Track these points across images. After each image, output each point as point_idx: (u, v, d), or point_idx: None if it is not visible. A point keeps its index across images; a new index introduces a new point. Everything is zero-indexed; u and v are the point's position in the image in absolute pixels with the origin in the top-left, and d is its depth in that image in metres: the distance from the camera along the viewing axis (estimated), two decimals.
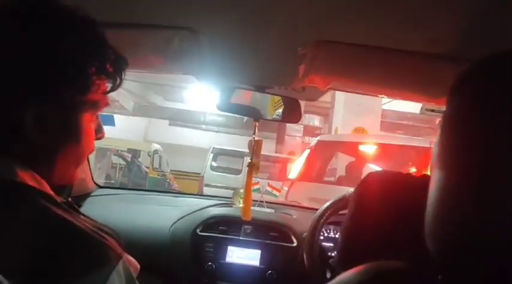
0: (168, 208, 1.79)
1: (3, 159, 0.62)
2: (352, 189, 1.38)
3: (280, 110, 1.42)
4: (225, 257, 1.59)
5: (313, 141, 5.84)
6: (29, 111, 0.62)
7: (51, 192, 0.65)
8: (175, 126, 15.96)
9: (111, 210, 1.74)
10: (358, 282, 0.47)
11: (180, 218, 1.69)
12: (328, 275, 1.37)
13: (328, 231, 1.64)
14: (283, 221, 1.71)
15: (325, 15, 0.87)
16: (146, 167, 11.71)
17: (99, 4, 0.77)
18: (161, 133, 15.73)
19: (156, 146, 12.03)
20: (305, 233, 1.47)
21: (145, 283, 0.72)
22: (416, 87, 1.16)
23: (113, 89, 0.73)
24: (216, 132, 15.91)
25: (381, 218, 0.81)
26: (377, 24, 0.89)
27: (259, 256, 1.60)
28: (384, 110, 8.80)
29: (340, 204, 1.39)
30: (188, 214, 1.71)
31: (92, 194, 1.82)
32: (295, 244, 1.62)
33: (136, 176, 11.37)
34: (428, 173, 0.49)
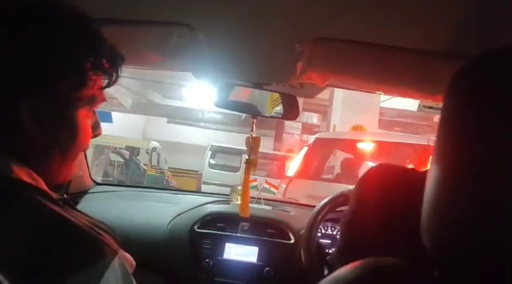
0: (165, 205, 1.79)
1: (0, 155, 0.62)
2: (350, 187, 1.39)
3: (279, 108, 1.42)
4: (222, 254, 1.60)
5: (311, 138, 5.85)
6: (25, 107, 0.62)
7: (47, 189, 0.65)
8: (173, 124, 15.96)
9: (108, 206, 1.74)
10: (355, 278, 0.47)
11: (177, 215, 1.69)
12: (326, 272, 1.37)
13: (325, 228, 1.65)
14: (281, 218, 1.72)
15: (322, 12, 0.87)
16: (144, 165, 11.71)
17: (97, 0, 0.77)
18: (159, 131, 15.73)
19: (155, 144, 12.03)
20: (303, 230, 1.47)
21: (143, 279, 0.72)
22: (414, 84, 1.16)
23: (109, 85, 0.73)
24: (214, 129, 15.91)
25: (381, 214, 0.81)
26: (374, 21, 0.89)
27: (256, 252, 1.60)
28: (382, 108, 8.81)
29: (337, 200, 1.39)
30: (186, 211, 1.71)
31: (89, 191, 1.82)
32: (292, 241, 1.62)
33: (135, 173, 11.37)
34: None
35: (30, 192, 0.60)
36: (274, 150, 11.62)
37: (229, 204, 1.81)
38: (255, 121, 1.46)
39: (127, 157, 11.87)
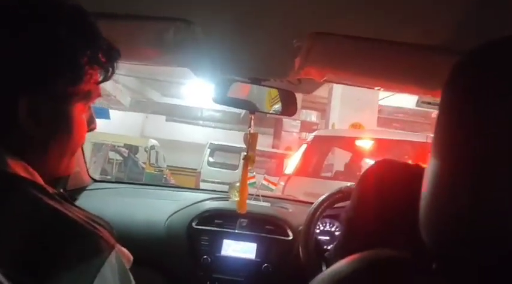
0: (164, 202, 1.79)
1: None
2: (348, 184, 1.39)
3: (277, 106, 1.41)
4: (220, 250, 1.59)
5: (310, 136, 5.85)
6: (22, 102, 0.62)
7: (43, 183, 0.65)
8: (172, 122, 15.95)
9: (106, 203, 1.74)
10: (352, 271, 0.47)
11: (175, 212, 1.69)
12: (324, 268, 1.37)
13: (323, 224, 1.65)
14: (279, 214, 1.71)
15: (320, 7, 0.87)
16: (143, 163, 11.70)
17: None
18: (158, 129, 15.72)
19: (153, 142, 12.03)
20: (301, 227, 1.47)
21: (141, 276, 0.71)
22: (412, 79, 1.16)
23: (105, 79, 0.72)
24: (213, 127, 15.91)
25: (382, 209, 0.81)
26: (372, 16, 0.89)
27: (255, 249, 1.60)
28: (380, 105, 8.81)
29: (335, 197, 1.39)
30: (184, 208, 1.71)
31: (87, 188, 1.82)
32: (291, 238, 1.62)
33: (133, 172, 11.38)
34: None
35: (26, 187, 0.60)
36: (273, 148, 11.63)
37: (227, 200, 1.81)
38: (253, 118, 1.46)
39: (125, 155, 11.86)
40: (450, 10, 0.82)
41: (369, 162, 5.15)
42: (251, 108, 1.42)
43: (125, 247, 0.68)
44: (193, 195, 1.90)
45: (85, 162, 1.83)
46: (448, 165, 0.41)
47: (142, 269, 1.40)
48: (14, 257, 0.53)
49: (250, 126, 1.47)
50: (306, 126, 11.77)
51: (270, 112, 1.45)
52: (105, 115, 8.41)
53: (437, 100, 0.51)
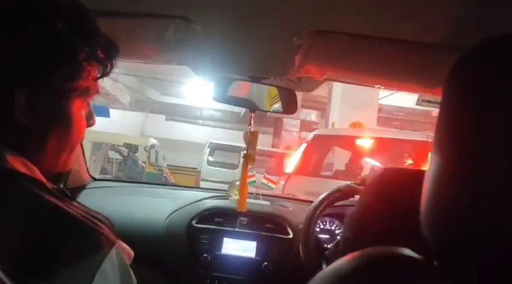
0: (163, 200, 1.79)
1: None
2: (347, 182, 1.39)
3: (277, 105, 1.41)
4: (220, 249, 1.59)
5: (310, 135, 5.85)
6: (20, 98, 0.62)
7: (43, 179, 0.65)
8: (172, 121, 15.96)
9: (106, 202, 1.74)
10: (353, 268, 0.47)
11: (175, 211, 1.68)
12: (324, 266, 1.37)
13: (324, 223, 1.64)
14: (279, 213, 1.71)
15: (320, 5, 0.87)
16: (143, 162, 11.71)
17: None
18: (158, 128, 15.73)
19: (153, 141, 12.03)
20: (301, 225, 1.47)
21: (141, 275, 0.71)
22: (412, 77, 1.15)
23: (103, 75, 0.72)
24: (213, 127, 15.92)
25: (388, 213, 0.81)
26: (372, 14, 0.89)
27: (255, 247, 1.60)
28: (380, 104, 8.81)
29: (335, 195, 1.39)
30: (184, 206, 1.70)
31: (87, 186, 1.81)
32: (291, 236, 1.62)
33: (133, 171, 11.38)
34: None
35: (26, 183, 0.60)
36: (272, 147, 11.63)
37: (227, 199, 1.81)
38: (253, 116, 1.46)
39: (125, 154, 11.86)
40: (450, 7, 0.82)
41: (368, 161, 5.16)
42: (251, 106, 1.42)
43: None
44: (193, 193, 1.90)
45: (85, 161, 1.83)
46: (449, 163, 0.41)
47: (142, 267, 1.40)
48: (14, 254, 0.53)
49: (250, 125, 1.47)
50: (306, 125, 11.78)
51: (270, 110, 1.45)
52: (105, 113, 8.41)
53: (438, 98, 0.50)
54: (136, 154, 11.97)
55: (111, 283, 0.59)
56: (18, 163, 0.62)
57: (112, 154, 11.95)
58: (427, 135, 4.49)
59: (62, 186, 0.74)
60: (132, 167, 11.55)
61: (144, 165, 11.58)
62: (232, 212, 1.64)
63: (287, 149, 10.53)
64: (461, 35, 0.89)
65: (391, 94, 9.31)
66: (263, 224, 1.65)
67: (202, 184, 9.26)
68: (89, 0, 0.67)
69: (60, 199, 0.61)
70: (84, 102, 0.72)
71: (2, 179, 0.59)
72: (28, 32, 0.62)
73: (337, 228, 1.63)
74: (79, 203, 0.66)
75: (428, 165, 0.44)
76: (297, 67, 1.17)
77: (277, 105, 1.41)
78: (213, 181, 9.14)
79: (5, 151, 0.61)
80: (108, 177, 10.42)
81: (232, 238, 1.61)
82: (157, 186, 2.09)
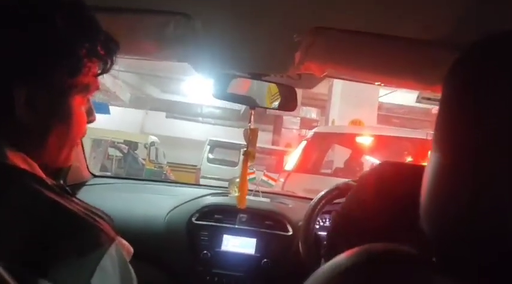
0: (163, 197, 1.79)
1: None
2: (347, 180, 1.39)
3: (277, 102, 1.41)
4: (220, 245, 1.60)
5: (310, 133, 5.84)
6: (20, 94, 0.62)
7: (43, 175, 0.65)
8: (172, 118, 15.94)
9: (106, 198, 1.74)
10: (352, 264, 0.47)
11: (175, 207, 1.69)
12: (323, 263, 1.37)
13: (323, 220, 1.65)
14: (279, 210, 1.72)
15: (320, 2, 0.86)
16: (143, 159, 11.70)
17: None
18: (158, 125, 15.72)
19: (153, 138, 12.01)
20: (300, 222, 1.47)
21: (141, 271, 0.72)
22: (412, 74, 1.15)
23: (103, 72, 0.72)
24: (213, 124, 15.90)
25: (383, 207, 0.81)
26: (373, 11, 0.89)
27: (254, 244, 1.60)
28: (380, 102, 8.80)
29: (334, 193, 1.39)
30: (184, 203, 1.71)
31: (87, 183, 1.81)
32: (290, 233, 1.62)
33: (133, 168, 11.36)
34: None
35: (26, 179, 0.60)
36: (272, 144, 11.62)
37: (227, 196, 1.81)
38: (253, 113, 1.46)
39: (125, 151, 11.85)
40: (450, 5, 0.82)
41: (368, 159, 5.15)
42: (251, 103, 1.42)
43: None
44: (193, 190, 1.90)
45: (85, 157, 1.83)
46: (448, 159, 0.41)
47: (141, 264, 1.41)
48: (14, 251, 0.53)
49: (250, 122, 1.47)
50: (306, 123, 11.76)
51: (270, 107, 1.45)
52: (105, 110, 8.37)
53: (438, 96, 0.50)
54: (136, 152, 11.97)
55: (110, 279, 0.59)
56: (18, 159, 0.62)
57: (112, 151, 11.94)
58: (427, 133, 4.48)
59: (61, 182, 0.75)
60: (132, 164, 11.54)
61: (144, 162, 11.57)
62: (232, 209, 1.64)
63: (287, 147, 10.51)
64: (461, 33, 0.89)
65: (391, 92, 9.31)
66: (263, 221, 1.65)
67: (202, 182, 9.26)
68: None
69: (60, 195, 0.61)
70: (85, 98, 0.72)
71: (2, 175, 0.59)
72: (28, 28, 0.62)
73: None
74: (79, 199, 0.66)
75: (428, 162, 0.44)
76: (297, 64, 1.17)
77: (277, 102, 1.41)
78: (213, 179, 9.14)
79: (5, 147, 0.61)
80: (108, 174, 10.43)
81: (232, 234, 1.61)
82: (157, 183, 2.09)
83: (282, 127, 11.78)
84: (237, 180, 1.68)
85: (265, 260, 1.58)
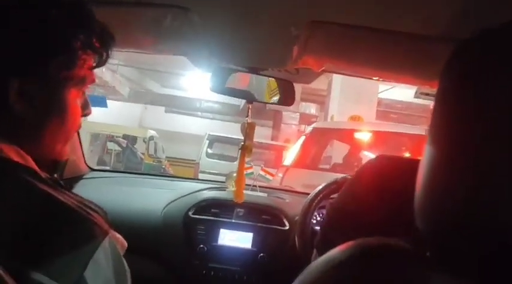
0: (161, 191, 1.79)
1: None
2: (344, 175, 1.39)
3: (276, 98, 1.41)
4: (217, 239, 1.60)
5: (309, 128, 5.84)
6: (14, 87, 0.61)
7: (36, 168, 0.65)
8: (171, 113, 15.93)
9: (103, 192, 1.74)
10: (345, 258, 0.47)
11: (172, 201, 1.68)
12: (315, 256, 1.38)
13: (320, 215, 1.64)
14: (276, 204, 1.72)
15: None
16: (142, 153, 11.70)
17: None
18: (157, 120, 15.72)
19: (152, 132, 12.01)
20: (297, 217, 1.47)
21: (137, 265, 0.71)
22: (411, 69, 1.15)
23: (99, 65, 0.72)
24: (212, 119, 15.90)
25: (379, 201, 0.81)
26: (371, 5, 0.88)
27: (251, 238, 1.60)
28: (379, 98, 8.80)
29: (331, 187, 1.39)
30: (181, 197, 1.70)
31: (84, 177, 1.81)
32: (287, 228, 1.62)
33: (132, 162, 11.36)
34: None
35: (19, 171, 0.60)
36: (272, 140, 11.62)
37: (224, 190, 1.81)
38: (250, 107, 1.45)
39: (124, 145, 11.85)
40: None
41: (367, 155, 5.15)
42: (248, 97, 1.41)
43: (120, 235, 0.68)
44: (191, 184, 1.90)
45: (82, 151, 1.83)
46: (444, 153, 0.41)
47: (138, 257, 1.40)
48: (6, 243, 0.53)
49: (247, 116, 1.46)
50: (305, 119, 11.75)
51: (267, 102, 1.44)
52: (102, 103, 8.31)
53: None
54: (135, 146, 11.97)
55: (104, 272, 0.59)
56: (11, 152, 0.61)
57: (111, 146, 11.94)
58: (425, 129, 4.48)
59: (57, 175, 0.74)
60: (130, 158, 11.54)
61: (142, 157, 11.58)
62: (229, 203, 1.64)
63: (286, 142, 10.52)
64: (459, 27, 0.89)
65: (392, 87, 9.31)
66: (260, 215, 1.65)
67: (201, 176, 9.28)
68: None
69: (54, 188, 0.61)
70: (80, 91, 0.72)
71: None
72: (22, 21, 0.62)
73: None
74: (72, 192, 0.65)
75: (423, 156, 0.44)
76: (295, 58, 1.16)
77: (276, 97, 1.41)
78: (212, 173, 9.15)
79: None
80: (106, 168, 10.43)
81: (229, 229, 1.61)
82: (155, 177, 2.09)
83: (281, 122, 11.78)
84: (235, 174, 1.68)
85: (261, 254, 1.58)
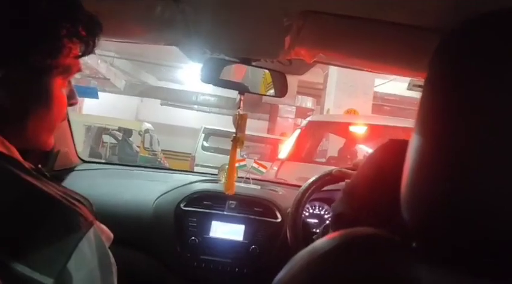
0: (153, 183, 1.78)
1: None
2: (338, 168, 1.38)
3: (272, 91, 1.40)
4: (208, 232, 1.59)
5: (304, 121, 5.83)
6: None
7: (20, 158, 0.64)
8: (167, 106, 15.92)
9: (94, 184, 1.72)
10: (331, 248, 0.47)
11: (164, 193, 1.68)
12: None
13: (313, 208, 1.64)
14: (268, 196, 1.71)
15: None
16: (137, 146, 11.68)
17: None
18: (153, 113, 15.72)
19: (148, 125, 11.99)
20: (289, 209, 1.47)
21: (128, 257, 0.71)
22: (403, 60, 1.14)
23: (85, 53, 0.71)
24: (208, 112, 15.90)
25: (382, 189, 0.80)
26: None
27: (243, 231, 1.60)
28: (375, 92, 8.81)
29: (325, 179, 1.38)
30: (173, 189, 1.70)
31: (75, 168, 1.80)
32: (279, 220, 1.62)
33: (127, 155, 11.34)
34: None
35: (2, 161, 0.59)
36: (268, 133, 11.65)
37: (217, 182, 1.81)
38: (242, 98, 1.45)
39: (119, 138, 11.82)
40: None
41: (362, 148, 5.16)
42: (240, 88, 1.41)
43: (112, 227, 0.67)
44: (183, 176, 1.89)
45: (73, 142, 1.81)
46: (429, 144, 0.41)
47: (129, 249, 1.40)
48: None
49: (239, 107, 1.45)
50: (302, 112, 11.77)
51: (259, 93, 1.44)
52: (93, 94, 8.17)
53: None
54: (130, 139, 11.94)
55: (88, 263, 0.58)
56: None
57: (106, 138, 11.91)
58: None
59: (48, 167, 0.73)
60: (126, 151, 11.52)
61: (138, 150, 11.56)
62: (221, 195, 1.63)
63: (282, 135, 10.54)
64: (451, 18, 0.88)
65: (389, 81, 9.32)
66: (252, 207, 1.64)
67: (197, 170, 9.28)
68: None
69: (37, 178, 0.60)
70: (65, 80, 0.71)
71: None
72: (3, 8, 0.60)
73: (326, 213, 1.63)
74: (57, 183, 0.65)
75: (409, 147, 0.44)
76: (287, 49, 1.15)
77: (272, 92, 1.40)
78: (207, 167, 9.16)
79: None
80: (99, 161, 10.40)
81: (221, 221, 1.61)
82: (147, 169, 2.08)
83: (277, 116, 11.79)
84: (227, 166, 1.67)
85: (253, 246, 1.58)
